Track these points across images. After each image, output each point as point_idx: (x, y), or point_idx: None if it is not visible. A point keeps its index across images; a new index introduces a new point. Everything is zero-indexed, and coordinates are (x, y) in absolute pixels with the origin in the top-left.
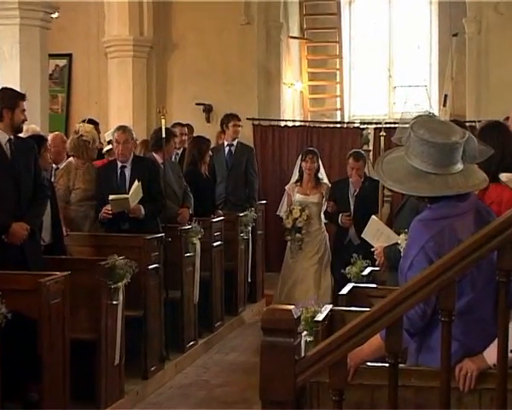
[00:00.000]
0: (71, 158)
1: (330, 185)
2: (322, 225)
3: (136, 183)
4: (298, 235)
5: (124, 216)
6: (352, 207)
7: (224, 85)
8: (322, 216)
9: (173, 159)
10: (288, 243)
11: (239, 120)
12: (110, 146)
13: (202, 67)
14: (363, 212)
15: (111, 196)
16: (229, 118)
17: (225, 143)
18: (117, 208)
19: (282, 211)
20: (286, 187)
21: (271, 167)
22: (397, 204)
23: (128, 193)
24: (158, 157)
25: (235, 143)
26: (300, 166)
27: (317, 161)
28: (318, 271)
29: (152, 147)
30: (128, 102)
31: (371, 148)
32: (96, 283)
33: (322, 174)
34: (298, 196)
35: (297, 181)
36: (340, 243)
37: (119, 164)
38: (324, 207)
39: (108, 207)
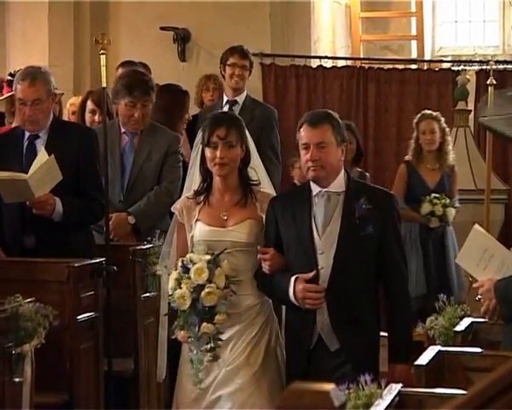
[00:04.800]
0: None
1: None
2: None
3: (43, 154)
4: (207, 326)
5: (27, 223)
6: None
7: None
8: None
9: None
10: (188, 352)
11: (243, 56)
12: (8, 94)
13: None
14: None
15: None
16: (227, 54)
17: (224, 100)
18: (10, 197)
19: (161, 264)
20: (174, 207)
21: (294, 140)
22: None
23: (31, 168)
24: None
25: (240, 98)
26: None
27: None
28: (255, 393)
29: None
30: (41, 24)
31: (471, 107)
32: None
33: (262, 174)
34: (201, 228)
35: (202, 189)
36: (298, 337)
37: (27, 132)
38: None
39: None
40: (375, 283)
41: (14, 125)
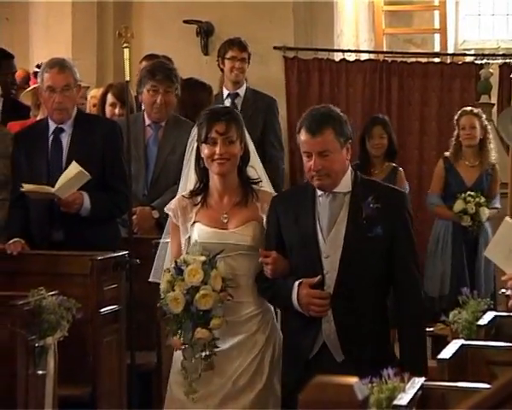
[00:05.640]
0: None
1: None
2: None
3: (73, 167)
4: (202, 331)
5: (55, 217)
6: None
7: None
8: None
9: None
10: (181, 360)
11: (242, 49)
12: (34, 86)
13: None
14: None
15: (25, 187)
16: (225, 47)
17: (225, 93)
18: (40, 198)
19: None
20: (168, 207)
21: None
22: None
23: (59, 181)
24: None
25: (241, 91)
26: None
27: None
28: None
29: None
30: (64, 18)
31: (494, 100)
32: (8, 337)
33: (260, 173)
34: (201, 229)
35: (197, 189)
36: (298, 345)
37: (52, 125)
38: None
39: (14, 242)
40: (385, 288)
41: (39, 117)
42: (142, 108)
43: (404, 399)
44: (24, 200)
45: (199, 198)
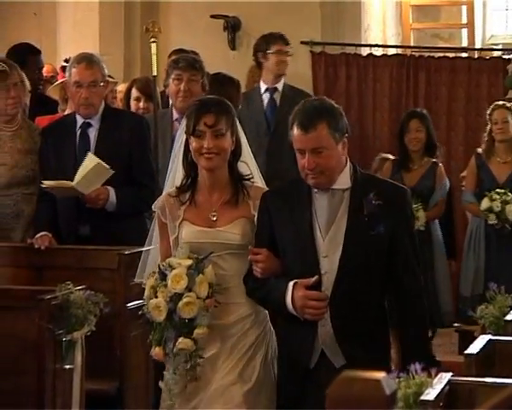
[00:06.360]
0: None
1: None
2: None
3: (90, 159)
4: (185, 341)
5: (82, 212)
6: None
7: None
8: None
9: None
10: (165, 374)
11: (286, 43)
12: (61, 80)
13: None
14: None
15: (45, 183)
16: (269, 41)
17: (262, 88)
18: (62, 196)
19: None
20: (155, 205)
21: None
22: None
23: (77, 174)
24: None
25: (279, 86)
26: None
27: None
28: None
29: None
30: (92, 13)
31: None
32: (36, 332)
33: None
34: (188, 228)
35: (185, 185)
36: (294, 353)
37: (80, 120)
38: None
39: (42, 236)
40: (385, 289)
41: (66, 112)
42: (170, 102)
43: (431, 394)
44: (52, 194)
45: (187, 195)
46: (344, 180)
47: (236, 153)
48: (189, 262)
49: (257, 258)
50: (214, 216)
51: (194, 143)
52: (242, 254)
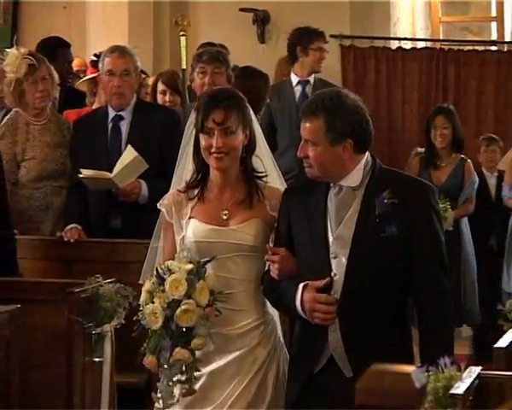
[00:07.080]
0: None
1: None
2: (267, 305)
3: (129, 152)
4: (181, 352)
5: (113, 205)
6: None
7: None
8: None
9: None
10: (159, 385)
11: (325, 40)
12: (91, 75)
13: None
14: None
15: (83, 172)
16: (311, 36)
17: (294, 80)
18: (95, 188)
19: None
20: (161, 203)
21: (373, 123)
22: None
23: (116, 166)
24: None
25: (311, 79)
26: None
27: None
28: None
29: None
30: (121, 7)
31: None
32: (65, 325)
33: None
34: (196, 226)
35: (194, 181)
36: (302, 357)
37: (111, 113)
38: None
39: (71, 229)
40: (403, 297)
41: (95, 106)
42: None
43: (460, 388)
44: (82, 186)
45: (196, 191)
46: (355, 178)
47: (250, 148)
48: (190, 267)
49: (273, 258)
50: (225, 215)
51: (203, 141)
52: (254, 257)
